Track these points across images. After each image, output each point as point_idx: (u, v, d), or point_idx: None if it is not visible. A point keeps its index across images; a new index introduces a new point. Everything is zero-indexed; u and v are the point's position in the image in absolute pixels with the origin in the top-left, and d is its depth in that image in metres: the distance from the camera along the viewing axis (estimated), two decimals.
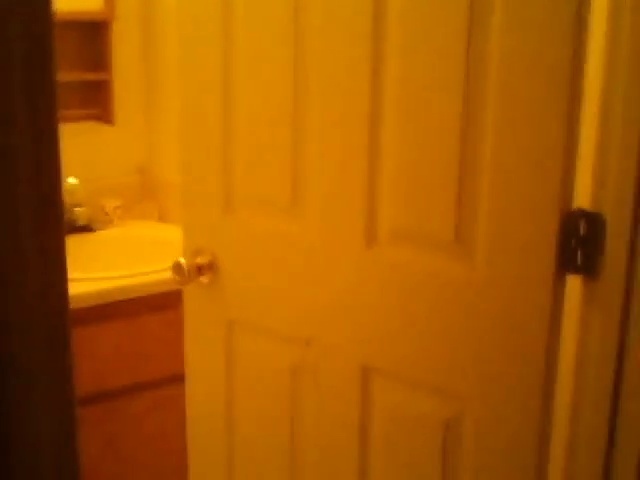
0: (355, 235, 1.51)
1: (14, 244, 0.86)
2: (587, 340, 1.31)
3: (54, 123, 0.86)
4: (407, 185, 1.44)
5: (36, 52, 0.84)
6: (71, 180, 2.60)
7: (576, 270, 1.31)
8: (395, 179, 1.45)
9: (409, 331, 1.48)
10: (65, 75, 2.62)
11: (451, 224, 1.39)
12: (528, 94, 1.27)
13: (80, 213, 2.68)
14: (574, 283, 1.32)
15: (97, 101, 2.83)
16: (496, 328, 1.38)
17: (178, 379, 1.95)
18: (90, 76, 2.79)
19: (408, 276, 1.47)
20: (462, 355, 1.43)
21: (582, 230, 1.29)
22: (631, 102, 1.20)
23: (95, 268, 2.35)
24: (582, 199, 1.30)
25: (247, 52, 1.62)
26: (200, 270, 1.76)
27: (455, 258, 1.41)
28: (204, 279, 1.77)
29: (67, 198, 2.54)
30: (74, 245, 2.06)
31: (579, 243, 1.29)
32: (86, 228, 2.72)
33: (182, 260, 1.75)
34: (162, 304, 2.33)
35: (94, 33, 2.77)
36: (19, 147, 0.86)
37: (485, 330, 1.39)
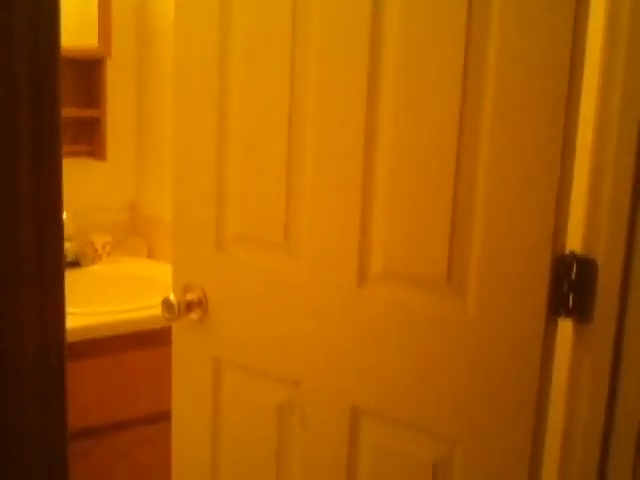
0: (347, 274, 1.51)
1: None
2: (578, 383, 1.31)
3: (58, 169, 0.87)
4: (400, 225, 1.44)
5: (42, 88, 0.85)
6: None
7: (568, 314, 1.31)
8: (388, 218, 1.46)
9: (399, 371, 1.48)
10: None
11: (444, 264, 1.39)
12: (522, 138, 1.28)
13: (69, 248, 2.68)
14: (566, 326, 1.33)
15: (90, 137, 2.84)
16: (487, 370, 1.37)
17: (164, 416, 1.93)
18: (83, 112, 2.81)
19: (399, 316, 1.46)
20: (452, 396, 1.42)
21: (574, 274, 1.30)
22: (623, 149, 1.21)
23: (82, 304, 2.33)
24: (574, 243, 1.30)
25: (242, 90, 1.63)
26: (189, 307, 1.76)
27: (447, 299, 1.40)
28: (193, 316, 1.76)
29: None
30: None
31: (571, 287, 1.30)
32: (74, 263, 2.71)
33: (172, 296, 1.75)
34: (150, 341, 2.32)
35: (89, 70, 2.79)
36: (23, 175, 0.86)
37: (476, 372, 1.38)
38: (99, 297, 2.57)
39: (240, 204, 1.67)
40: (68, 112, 2.70)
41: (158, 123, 2.87)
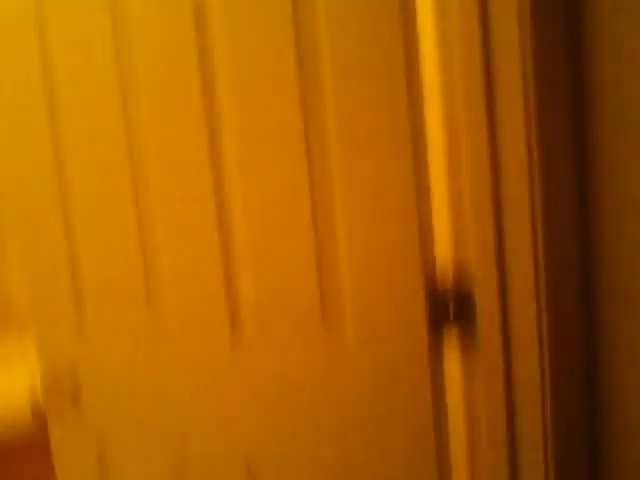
0: (218, 333, 1.44)
1: None
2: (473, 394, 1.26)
3: None
4: (264, 266, 1.37)
5: None
6: None
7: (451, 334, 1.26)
8: (250, 254, 1.38)
9: (288, 427, 1.40)
10: None
11: (315, 302, 1.33)
12: (370, 144, 1.24)
13: None
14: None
15: None
16: (382, 411, 1.30)
17: None
18: None
19: (278, 365, 1.39)
20: (348, 441, 1.34)
21: (453, 309, 1.25)
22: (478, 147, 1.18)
23: None
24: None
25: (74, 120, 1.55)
26: (62, 396, 1.65)
27: (324, 340, 1.34)
28: (68, 405, 1.65)
29: None
30: None
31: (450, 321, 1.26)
32: None
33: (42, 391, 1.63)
34: None
35: None
36: None
37: (371, 415, 1.31)
38: None
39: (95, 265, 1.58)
40: None
41: None
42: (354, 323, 1.30)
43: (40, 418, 1.63)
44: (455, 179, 1.22)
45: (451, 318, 1.25)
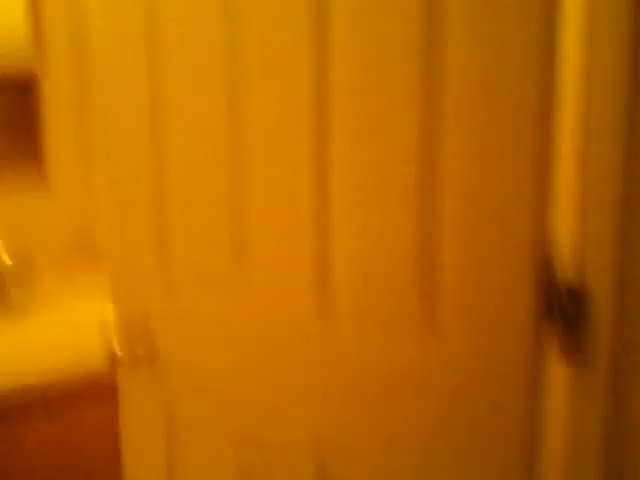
0: (305, 317, 1.36)
1: None
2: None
3: None
4: (360, 238, 1.29)
5: None
6: None
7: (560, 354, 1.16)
8: (346, 224, 1.30)
9: (367, 414, 1.33)
10: None
11: (414, 301, 1.25)
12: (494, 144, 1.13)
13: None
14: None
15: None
16: (473, 414, 1.23)
17: None
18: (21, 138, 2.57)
19: (369, 361, 1.31)
20: (431, 445, 1.27)
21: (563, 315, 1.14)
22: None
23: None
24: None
25: (177, 109, 1.45)
26: (137, 359, 1.57)
27: (421, 338, 1.26)
28: (142, 369, 1.58)
29: None
30: None
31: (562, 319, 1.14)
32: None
33: (114, 349, 1.55)
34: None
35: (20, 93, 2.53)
36: None
37: (456, 417, 1.24)
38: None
39: (184, 242, 1.50)
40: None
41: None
42: (452, 308, 1.23)
43: (111, 362, 1.55)
44: (580, 171, 1.11)
45: (561, 325, 1.15)
